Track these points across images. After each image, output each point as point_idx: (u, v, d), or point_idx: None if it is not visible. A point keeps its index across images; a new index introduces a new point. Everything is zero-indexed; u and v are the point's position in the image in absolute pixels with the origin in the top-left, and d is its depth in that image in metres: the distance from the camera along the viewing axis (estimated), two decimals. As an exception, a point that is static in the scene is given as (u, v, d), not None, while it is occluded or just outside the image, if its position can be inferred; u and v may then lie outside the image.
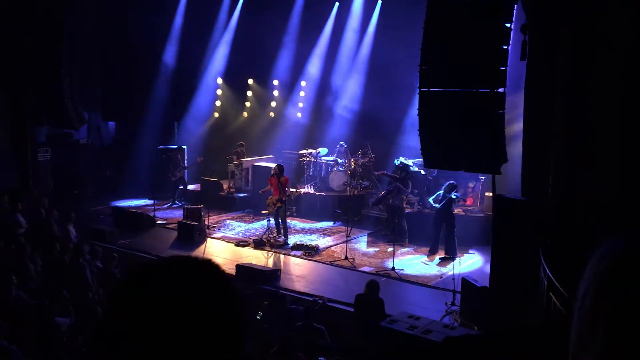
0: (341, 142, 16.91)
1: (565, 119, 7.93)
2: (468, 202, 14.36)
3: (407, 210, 13.93)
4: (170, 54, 19.04)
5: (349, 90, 18.07)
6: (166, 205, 16.91)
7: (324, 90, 18.54)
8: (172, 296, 1.02)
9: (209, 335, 1.01)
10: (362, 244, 13.83)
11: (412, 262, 12.49)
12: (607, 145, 7.66)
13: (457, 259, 12.21)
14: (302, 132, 18.47)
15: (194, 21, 18.67)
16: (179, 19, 18.94)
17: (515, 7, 8.96)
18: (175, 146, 17.94)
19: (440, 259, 12.54)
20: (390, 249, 12.24)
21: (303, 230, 14.83)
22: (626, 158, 7.43)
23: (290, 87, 19.02)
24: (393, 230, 13.22)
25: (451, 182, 12.69)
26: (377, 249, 13.39)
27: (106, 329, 1.04)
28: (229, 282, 1.09)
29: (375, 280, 9.66)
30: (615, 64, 7.54)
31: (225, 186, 17.36)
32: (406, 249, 13.25)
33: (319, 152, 16.90)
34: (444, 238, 12.65)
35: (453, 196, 12.49)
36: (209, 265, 1.10)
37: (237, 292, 1.09)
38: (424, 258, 12.77)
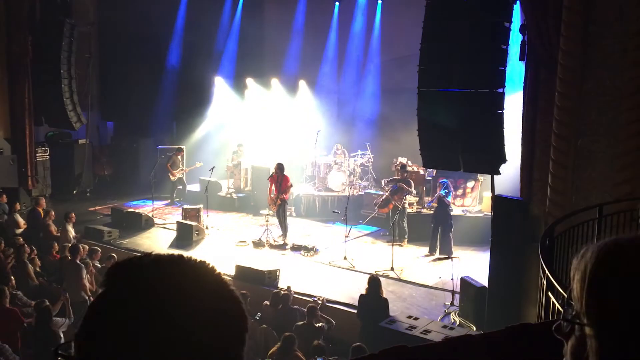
0: (337, 146, 16.91)
1: (563, 118, 7.92)
2: (466, 203, 14.40)
3: (407, 210, 13.93)
4: (170, 54, 19.02)
5: (350, 91, 18.07)
6: (165, 205, 16.91)
7: (324, 90, 18.53)
8: (168, 295, 0.98)
9: (204, 337, 0.98)
10: (361, 243, 13.81)
11: (411, 262, 12.48)
12: (606, 145, 7.67)
13: (456, 259, 12.21)
14: (301, 132, 18.45)
15: (195, 21, 18.65)
16: (180, 19, 18.93)
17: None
18: (175, 146, 17.92)
19: (437, 258, 12.56)
20: (389, 249, 12.23)
21: (302, 230, 14.81)
22: (627, 157, 7.44)
23: (289, 87, 18.99)
24: (392, 230, 13.22)
25: (441, 180, 12.89)
26: (376, 249, 13.37)
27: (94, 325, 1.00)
28: (225, 283, 1.06)
29: (376, 276, 9.69)
30: (614, 62, 7.55)
31: (224, 186, 17.36)
32: (405, 249, 13.24)
33: (318, 152, 16.91)
34: (440, 239, 12.68)
35: (442, 193, 12.64)
36: (204, 266, 1.06)
37: (234, 294, 1.05)
38: (422, 256, 12.80)
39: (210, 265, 1.07)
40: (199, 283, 1.02)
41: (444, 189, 12.78)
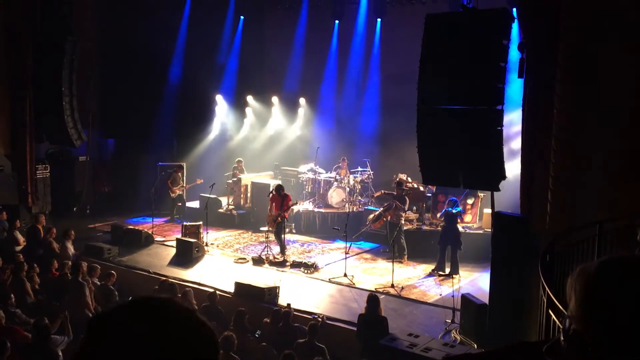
0: (343, 158, 16.96)
1: (562, 135, 7.95)
2: (467, 219, 14.38)
3: (405, 227, 13.90)
4: (171, 71, 19.12)
5: (350, 107, 18.12)
6: (165, 222, 16.90)
7: (324, 107, 18.61)
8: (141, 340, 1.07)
9: None
10: (361, 260, 13.78)
11: (412, 279, 12.44)
12: (606, 160, 7.69)
13: (457, 276, 12.17)
14: (301, 149, 18.51)
15: (195, 39, 18.78)
16: (181, 36, 19.06)
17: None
18: (175, 163, 17.95)
19: (440, 275, 12.52)
20: (389, 266, 12.19)
21: (302, 247, 14.78)
22: (626, 173, 7.45)
23: (289, 104, 19.09)
24: (392, 246, 13.19)
25: (451, 198, 12.81)
26: (376, 266, 13.34)
27: None
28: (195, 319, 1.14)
29: (374, 294, 9.67)
30: (612, 77, 7.60)
31: (223, 203, 17.36)
32: (405, 266, 13.20)
33: (317, 169, 16.92)
34: (448, 256, 12.60)
35: (454, 211, 12.57)
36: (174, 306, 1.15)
37: (204, 322, 1.15)
38: (423, 273, 12.74)
39: (177, 301, 1.17)
40: (170, 318, 1.11)
41: (456, 207, 12.69)
